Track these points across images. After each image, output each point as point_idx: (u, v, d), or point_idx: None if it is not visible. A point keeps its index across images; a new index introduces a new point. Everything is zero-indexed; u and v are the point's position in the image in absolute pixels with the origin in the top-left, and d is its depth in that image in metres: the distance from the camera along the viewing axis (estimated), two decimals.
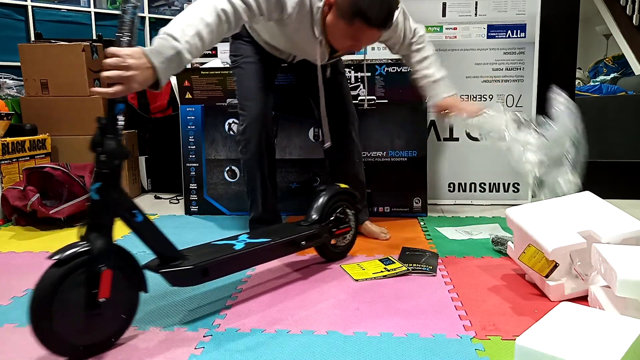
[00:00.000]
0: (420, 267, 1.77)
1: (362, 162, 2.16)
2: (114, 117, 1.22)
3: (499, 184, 2.73)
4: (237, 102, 2.01)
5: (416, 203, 2.52)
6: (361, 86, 2.47)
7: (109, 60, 1.20)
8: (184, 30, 1.33)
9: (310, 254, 1.94)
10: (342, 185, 1.89)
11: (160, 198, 2.98)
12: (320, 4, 1.63)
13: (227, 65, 2.70)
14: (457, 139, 2.73)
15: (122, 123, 1.23)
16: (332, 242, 1.85)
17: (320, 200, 1.80)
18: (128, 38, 1.24)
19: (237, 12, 1.46)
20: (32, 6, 3.84)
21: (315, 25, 1.67)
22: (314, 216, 1.77)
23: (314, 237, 1.73)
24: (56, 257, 1.16)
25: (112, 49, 1.22)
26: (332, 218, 1.81)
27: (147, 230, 1.32)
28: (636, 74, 4.83)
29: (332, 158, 2.13)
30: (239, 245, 1.54)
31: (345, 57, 2.26)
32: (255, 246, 1.55)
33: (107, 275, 1.19)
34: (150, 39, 4.49)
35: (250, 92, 1.96)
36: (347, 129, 2.06)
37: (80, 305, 1.18)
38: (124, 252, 1.28)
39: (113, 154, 1.20)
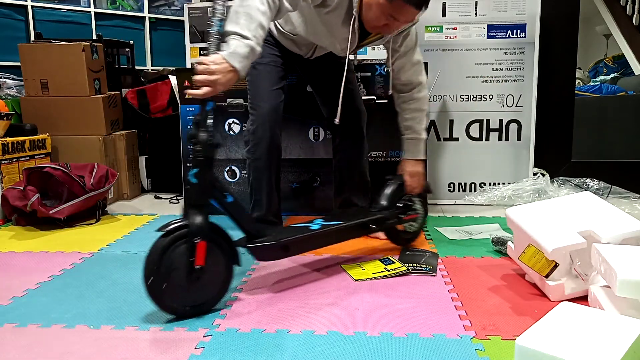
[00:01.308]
0: (420, 267, 1.77)
1: (368, 161, 2.18)
2: (206, 113, 1.43)
3: (499, 184, 2.73)
4: (248, 102, 2.02)
5: None
6: (361, 86, 2.47)
7: (198, 67, 1.40)
8: (248, 26, 1.47)
9: (310, 253, 1.94)
10: None
11: (160, 198, 2.98)
12: None
13: None
14: (457, 139, 2.73)
15: (212, 118, 1.44)
16: (401, 228, 1.97)
17: (389, 188, 1.91)
18: (215, 48, 1.45)
19: None
20: (32, 6, 3.84)
21: (353, 5, 1.72)
22: (383, 202, 1.88)
23: (382, 221, 1.85)
24: (162, 229, 1.39)
25: (200, 58, 1.42)
26: (400, 205, 1.91)
27: (236, 210, 1.53)
28: (636, 74, 4.83)
29: (343, 155, 2.13)
30: (315, 227, 1.71)
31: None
32: (330, 227, 1.71)
33: (201, 246, 1.38)
34: (151, 38, 4.48)
35: (263, 93, 1.96)
36: (359, 126, 2.08)
37: (181, 270, 1.38)
38: (219, 229, 1.45)
39: (206, 144, 1.41)
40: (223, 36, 1.46)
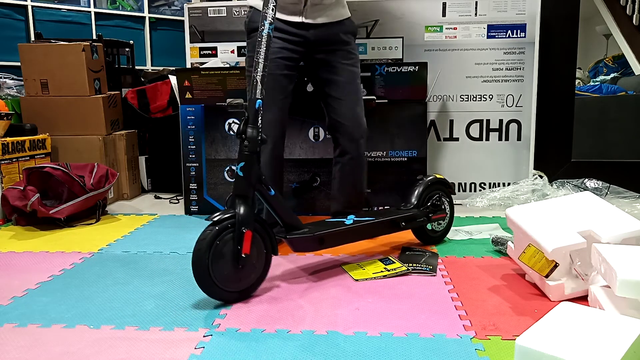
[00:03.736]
0: (420, 267, 1.77)
1: (365, 174, 2.16)
2: (255, 111, 1.54)
3: (499, 184, 2.73)
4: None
5: None
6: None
7: None
8: None
9: (310, 253, 1.94)
10: (438, 176, 2.07)
11: (160, 198, 2.98)
12: None
13: (227, 65, 2.70)
14: (457, 139, 2.73)
15: (261, 116, 1.56)
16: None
17: (418, 188, 2.00)
18: (264, 50, 1.57)
19: None
20: (32, 6, 3.84)
21: None
22: (413, 201, 1.97)
23: (412, 219, 1.93)
24: (212, 219, 1.49)
25: None
26: (428, 204, 1.99)
27: (277, 203, 1.63)
28: (636, 74, 4.83)
29: (340, 167, 2.11)
30: (348, 222, 1.82)
31: None
32: (363, 223, 1.81)
33: (248, 235, 1.49)
34: (151, 38, 4.48)
35: (266, 103, 1.93)
36: (357, 143, 2.07)
37: (229, 258, 1.48)
38: (262, 220, 1.58)
39: (254, 141, 1.52)
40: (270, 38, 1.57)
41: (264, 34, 1.58)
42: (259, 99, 1.55)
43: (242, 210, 1.50)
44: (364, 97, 2.35)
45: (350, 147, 2.05)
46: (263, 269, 1.58)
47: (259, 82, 1.58)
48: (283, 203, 1.66)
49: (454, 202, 2.71)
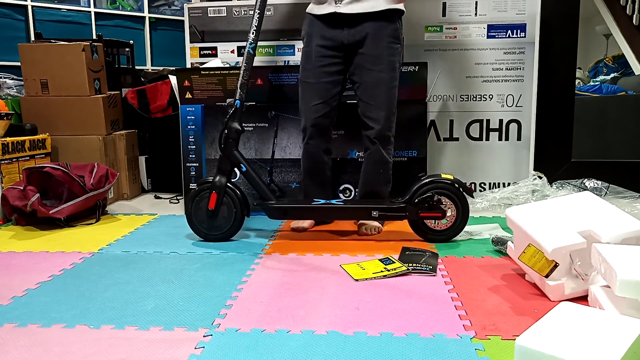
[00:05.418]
0: (420, 267, 1.77)
1: (386, 172, 2.21)
2: (235, 108, 2.03)
3: (499, 184, 2.73)
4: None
5: None
6: None
7: None
8: None
9: (310, 253, 1.94)
10: (444, 176, 2.09)
11: (160, 198, 2.98)
12: None
13: (227, 65, 2.70)
14: (457, 139, 2.73)
15: (241, 112, 2.06)
16: (431, 225, 2.08)
17: (414, 184, 2.06)
18: (249, 57, 2.05)
19: None
20: (32, 6, 3.84)
21: None
22: (405, 196, 2.05)
23: (386, 210, 2.04)
24: (198, 183, 2.09)
25: None
26: (416, 201, 2.03)
27: (249, 177, 2.06)
28: (636, 74, 4.83)
29: (363, 162, 2.24)
30: (318, 202, 2.10)
31: None
32: (331, 205, 2.08)
33: (213, 196, 2.03)
34: (151, 38, 4.48)
35: (303, 109, 2.20)
36: (375, 143, 2.15)
37: (203, 209, 2.07)
38: (239, 189, 2.08)
39: (231, 130, 2.04)
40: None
41: (246, 51, 2.04)
42: (237, 99, 2.02)
43: (216, 179, 2.03)
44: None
45: (370, 145, 2.17)
46: (233, 223, 2.07)
47: (238, 88, 2.03)
48: (254, 178, 2.06)
49: None
